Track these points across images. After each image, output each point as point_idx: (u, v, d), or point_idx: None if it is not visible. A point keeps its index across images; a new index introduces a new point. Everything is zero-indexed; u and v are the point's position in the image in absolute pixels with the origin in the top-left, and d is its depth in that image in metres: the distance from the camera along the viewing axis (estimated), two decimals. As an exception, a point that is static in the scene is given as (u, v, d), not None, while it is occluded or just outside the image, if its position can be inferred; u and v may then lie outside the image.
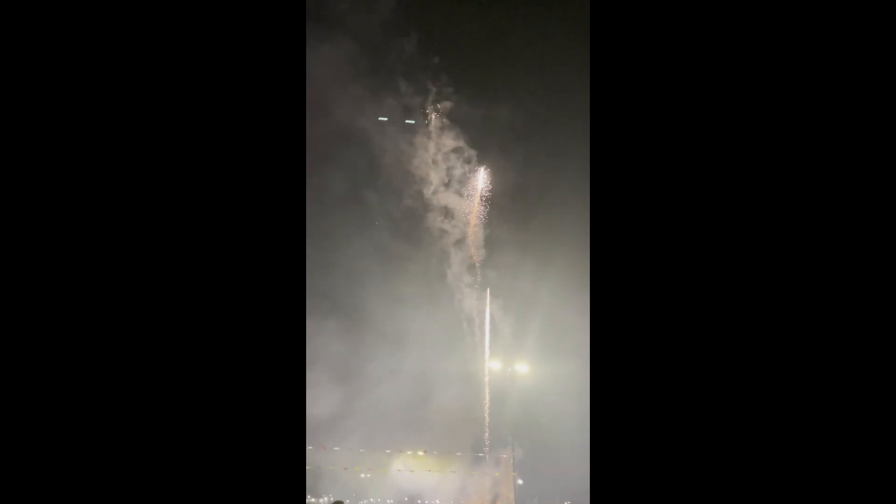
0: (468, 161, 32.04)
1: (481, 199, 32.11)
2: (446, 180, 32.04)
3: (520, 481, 29.01)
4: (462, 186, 32.22)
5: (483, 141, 31.92)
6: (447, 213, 32.14)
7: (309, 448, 25.91)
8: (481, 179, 32.04)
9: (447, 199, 32.17)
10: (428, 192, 31.99)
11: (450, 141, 31.66)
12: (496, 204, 32.09)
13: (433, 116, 31.59)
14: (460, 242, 32.05)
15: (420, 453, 28.64)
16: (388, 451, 28.59)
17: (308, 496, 26.84)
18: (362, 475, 28.46)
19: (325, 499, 28.11)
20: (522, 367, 30.10)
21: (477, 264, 31.76)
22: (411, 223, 32.08)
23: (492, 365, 30.63)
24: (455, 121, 31.77)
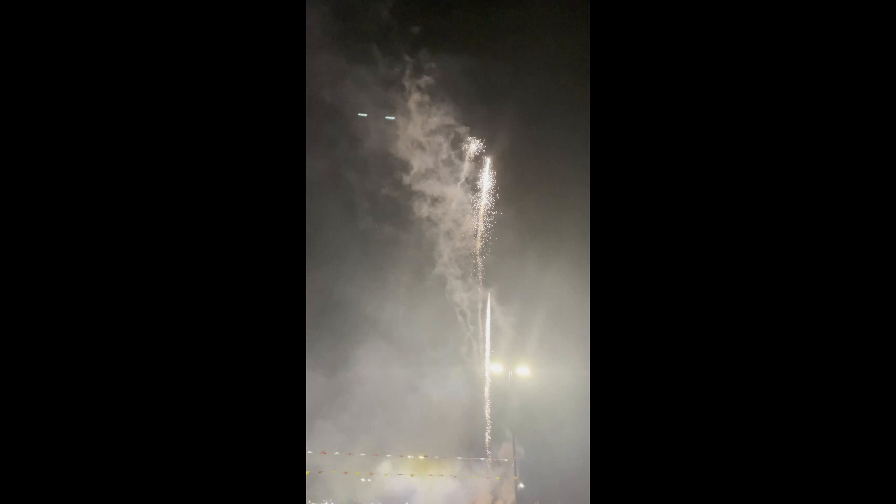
0: (459, 140, 29.48)
1: (475, 182, 29.82)
2: (433, 163, 29.31)
3: (521, 485, 28.86)
4: (453, 169, 29.63)
5: (475, 116, 29.12)
6: (437, 198, 29.63)
7: (308, 453, 25.69)
8: (474, 160, 29.40)
9: (436, 181, 29.58)
10: (415, 174, 29.43)
11: (437, 119, 29.00)
12: (491, 186, 29.79)
13: (415, 90, 28.69)
14: (453, 230, 30.03)
15: (421, 457, 28.48)
16: (388, 456, 28.42)
17: (308, 502, 26.70)
18: (363, 479, 28.31)
19: None
20: (523, 365, 29.15)
21: (471, 253, 30.02)
22: (399, 209, 29.68)
23: (492, 364, 29.65)
24: (444, 96, 28.95)
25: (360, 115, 28.71)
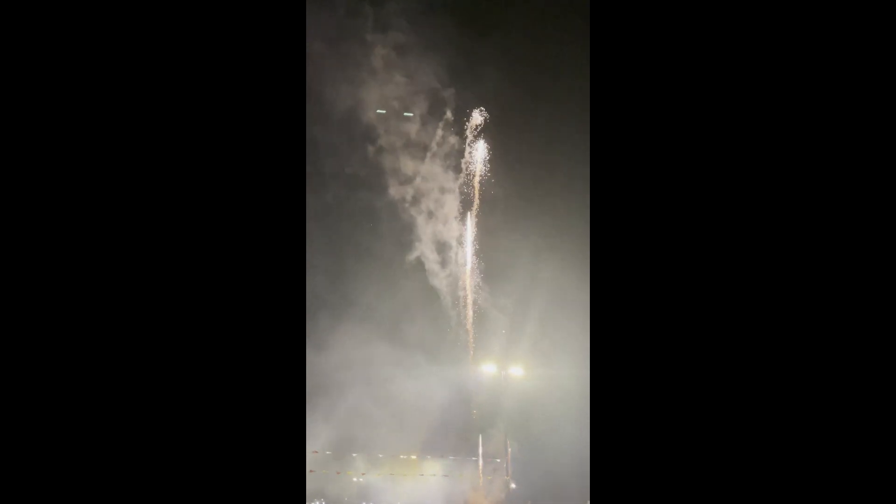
0: (443, 105, 26.22)
1: (459, 154, 26.67)
2: (413, 133, 25.91)
3: (513, 485, 28.84)
4: (436, 138, 26.16)
5: (464, 74, 25.45)
6: (422, 175, 26.38)
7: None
8: (454, 124, 26.09)
9: (416, 150, 26.11)
10: (392, 146, 25.92)
11: (416, 80, 25.50)
12: (481, 156, 26.69)
13: (386, 46, 24.70)
14: (437, 212, 27.50)
15: (413, 457, 28.38)
16: (380, 456, 28.28)
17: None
18: (354, 479, 28.18)
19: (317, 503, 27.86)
20: (515, 361, 28.14)
21: (460, 240, 27.97)
22: (382, 192, 26.81)
23: (482, 360, 28.68)
24: (423, 51, 25.24)
25: (378, 111, 25.49)
